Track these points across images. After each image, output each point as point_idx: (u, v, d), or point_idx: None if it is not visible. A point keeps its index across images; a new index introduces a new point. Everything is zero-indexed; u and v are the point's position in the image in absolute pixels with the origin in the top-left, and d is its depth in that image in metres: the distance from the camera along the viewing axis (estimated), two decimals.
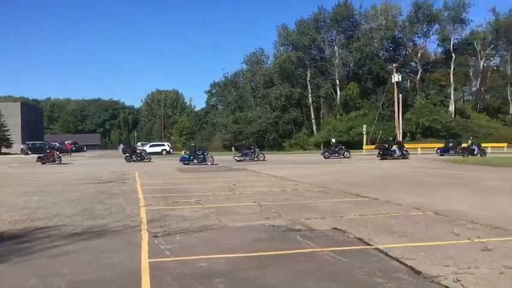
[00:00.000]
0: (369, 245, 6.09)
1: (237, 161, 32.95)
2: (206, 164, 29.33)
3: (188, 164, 29.54)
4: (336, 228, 7.26)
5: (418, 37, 70.39)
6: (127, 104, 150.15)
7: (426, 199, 10.67)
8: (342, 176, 18.34)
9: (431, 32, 69.67)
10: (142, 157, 35.54)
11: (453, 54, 66.64)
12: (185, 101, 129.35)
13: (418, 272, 4.76)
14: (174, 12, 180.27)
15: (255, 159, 33.85)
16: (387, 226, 7.38)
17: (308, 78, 69.99)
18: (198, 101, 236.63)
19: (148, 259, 5.52)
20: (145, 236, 6.91)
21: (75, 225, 8.02)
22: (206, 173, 21.56)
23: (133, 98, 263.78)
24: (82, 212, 9.57)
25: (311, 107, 70.77)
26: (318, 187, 13.83)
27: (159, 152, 58.59)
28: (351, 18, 70.19)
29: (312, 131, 70.07)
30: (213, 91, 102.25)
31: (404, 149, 34.46)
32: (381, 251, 5.74)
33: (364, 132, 50.99)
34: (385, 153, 33.02)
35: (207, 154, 31.02)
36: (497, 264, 4.96)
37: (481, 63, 69.15)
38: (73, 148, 68.00)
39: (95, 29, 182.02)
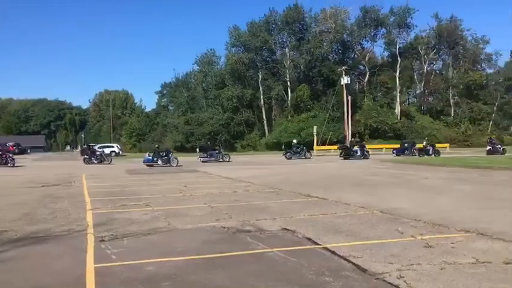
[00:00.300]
0: (318, 244, 6.18)
1: (202, 162, 32.71)
2: (171, 166, 28.83)
3: (152, 165, 28.94)
4: (285, 229, 7.32)
5: (365, 41, 72.66)
6: (74, 104, 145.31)
7: (373, 198, 10.97)
8: (294, 177, 18.56)
9: (378, 36, 72.11)
10: (102, 159, 34.51)
11: (399, 58, 69.10)
12: (135, 101, 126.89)
13: (364, 270, 4.87)
14: (123, 11, 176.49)
15: (220, 160, 33.76)
16: (335, 225, 7.52)
17: (260, 79, 70.47)
18: (148, 101, 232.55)
19: (94, 264, 5.35)
20: (91, 241, 6.70)
21: (16, 230, 7.65)
22: (156, 175, 21.23)
23: (81, 98, 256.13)
24: (24, 216, 9.17)
25: (263, 108, 71.30)
26: (269, 188, 13.91)
27: (107, 154, 57.08)
28: (302, 21, 71.32)
29: (264, 132, 70.61)
30: (164, 92, 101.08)
31: (366, 149, 35.57)
32: (328, 250, 5.84)
33: (315, 134, 51.85)
34: (347, 154, 33.97)
35: (171, 155, 30.42)
36: (438, 260, 5.16)
37: (425, 67, 72.12)
38: (16, 150, 64.96)
39: (38, 26, 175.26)
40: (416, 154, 35.36)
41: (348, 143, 40.14)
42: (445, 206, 9.50)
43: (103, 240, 6.67)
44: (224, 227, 7.57)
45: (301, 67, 69.52)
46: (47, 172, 25.02)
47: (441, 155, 35.03)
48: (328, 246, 6.01)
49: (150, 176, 20.56)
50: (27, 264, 5.55)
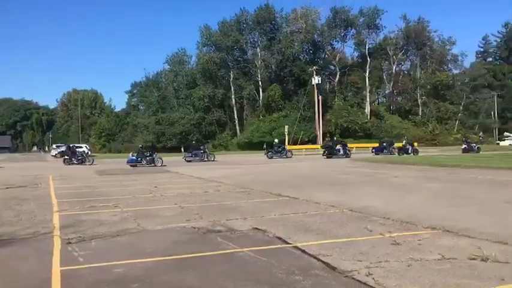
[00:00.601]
0: (288, 243, 6.20)
1: (187, 161, 32.78)
2: (155, 166, 28.46)
3: (136, 165, 28.45)
4: (256, 228, 7.32)
5: (336, 41, 73.72)
6: (41, 104, 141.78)
7: (344, 197, 11.09)
8: (266, 176, 18.60)
9: (348, 37, 73.22)
10: (83, 159, 33.76)
11: (368, 59, 70.23)
12: (105, 101, 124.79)
13: (334, 268, 4.91)
14: (92, 10, 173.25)
15: (205, 159, 33.84)
16: (306, 224, 7.56)
17: (231, 79, 70.44)
18: (118, 101, 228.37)
19: (60, 267, 5.21)
20: (57, 243, 6.54)
21: None
22: (127, 176, 20.94)
23: (48, 97, 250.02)
24: None
25: (234, 108, 71.28)
26: (241, 188, 13.90)
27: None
28: (273, 21, 71.68)
29: (235, 131, 70.58)
30: (134, 91, 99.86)
31: (348, 148, 36.29)
32: (299, 248, 5.86)
33: (286, 133, 52.16)
34: (331, 152, 34.59)
35: (155, 155, 30.06)
36: (405, 257, 5.25)
37: (394, 67, 73.53)
38: None
39: (2, 23, 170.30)
40: (395, 153, 36.05)
41: (324, 142, 40.56)
42: (413, 204, 9.68)
43: (70, 243, 6.52)
44: (195, 228, 7.51)
45: (273, 67, 69.84)
46: (12, 173, 24.35)
47: (419, 154, 35.77)
48: (298, 245, 6.04)
49: (120, 177, 20.25)
50: None
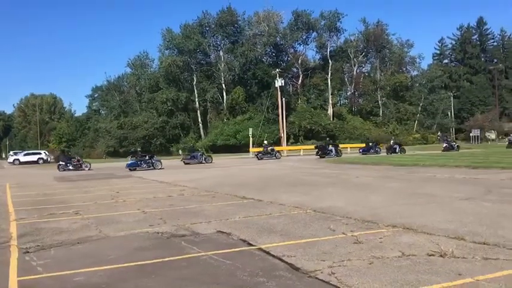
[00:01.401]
0: (252, 245, 6.21)
1: (185, 163, 33.34)
2: (154, 169, 28.50)
3: (135, 169, 28.41)
4: (220, 231, 7.30)
5: (298, 44, 74.42)
6: None
7: (308, 198, 11.20)
8: (231, 179, 18.56)
9: (310, 40, 73.99)
10: (79, 165, 32.36)
11: (330, 61, 71.28)
12: (64, 106, 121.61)
13: (297, 269, 4.95)
14: (51, 11, 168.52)
15: (203, 162, 34.06)
16: (270, 226, 7.59)
17: (194, 82, 70.07)
18: (78, 105, 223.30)
19: (17, 277, 5.05)
20: (14, 253, 6.33)
21: None
22: (87, 182, 20.46)
23: (4, 103, 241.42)
24: None
25: (198, 111, 70.91)
26: (205, 191, 13.83)
27: (35, 161, 54.54)
28: (235, 24, 71.75)
29: (200, 135, 70.20)
30: (95, 95, 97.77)
31: (339, 148, 37.43)
32: (263, 250, 5.88)
33: (251, 136, 52.24)
34: (324, 153, 35.41)
35: (154, 159, 30.33)
36: (367, 255, 5.35)
37: (354, 70, 74.85)
38: None
39: None
40: (381, 152, 37.65)
41: (318, 144, 41.23)
42: (375, 203, 9.88)
43: (28, 252, 6.32)
44: (158, 233, 7.42)
45: (236, 70, 69.86)
46: None
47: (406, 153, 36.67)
48: (262, 247, 6.06)
49: (81, 183, 19.78)
50: None
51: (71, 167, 31.90)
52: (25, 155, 57.71)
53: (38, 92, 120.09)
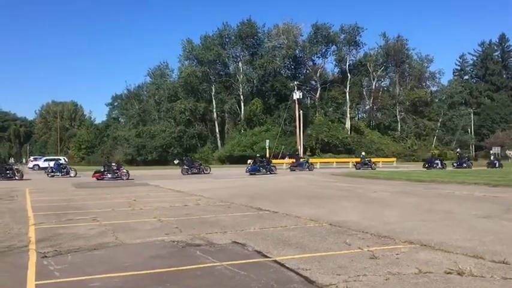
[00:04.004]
0: (267, 257, 6.20)
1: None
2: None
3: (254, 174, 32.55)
4: (235, 242, 7.30)
5: (317, 57, 74.56)
6: (19, 115, 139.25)
7: (323, 211, 11.14)
8: (247, 190, 18.55)
9: (329, 53, 74.07)
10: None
11: (349, 74, 71.18)
12: (84, 113, 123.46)
13: (312, 282, 4.92)
14: (73, 21, 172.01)
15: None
16: (285, 238, 7.57)
17: (213, 93, 70.51)
18: (98, 113, 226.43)
19: (35, 281, 5.12)
20: (33, 257, 6.42)
21: None
22: (105, 189, 20.66)
23: (27, 109, 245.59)
24: None
25: (216, 122, 71.25)
26: (221, 201, 13.86)
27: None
28: (255, 36, 72.20)
29: (217, 145, 70.44)
30: (115, 104, 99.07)
31: (443, 161, 39.08)
32: (278, 262, 5.86)
33: (267, 147, 52.27)
34: (430, 166, 37.08)
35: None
36: (383, 271, 5.30)
37: (373, 84, 74.56)
38: None
39: None
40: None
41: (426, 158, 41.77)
42: (391, 218, 9.78)
43: (46, 256, 6.41)
44: (174, 241, 7.46)
45: (254, 81, 70.19)
46: None
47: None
48: (277, 259, 6.04)
49: (98, 190, 19.98)
50: None
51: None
52: (45, 160, 58.49)
53: (59, 99, 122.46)
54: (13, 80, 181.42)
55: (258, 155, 40.78)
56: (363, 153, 44.60)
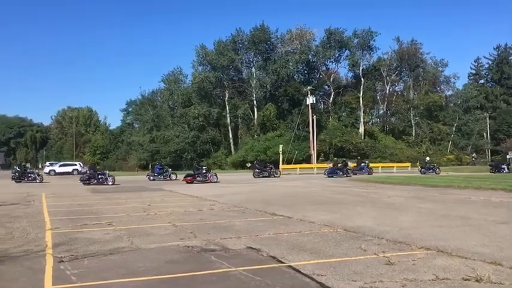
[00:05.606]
0: (282, 262, 6.19)
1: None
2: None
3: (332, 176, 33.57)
4: (250, 247, 7.29)
5: (330, 62, 74.24)
6: (35, 121, 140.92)
7: (338, 216, 11.08)
8: (260, 195, 18.53)
9: (342, 58, 73.75)
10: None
11: (362, 79, 70.78)
12: (99, 119, 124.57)
13: None
14: (88, 27, 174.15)
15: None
16: (300, 243, 7.55)
17: (226, 98, 70.67)
18: (113, 119, 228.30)
19: (52, 285, 5.18)
20: (49, 261, 6.49)
21: None
22: (120, 194, 20.81)
23: (43, 115, 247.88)
24: None
25: (229, 127, 71.34)
26: (235, 206, 13.87)
27: (70, 172, 55.85)
28: (268, 41, 72.21)
29: (230, 150, 70.53)
30: (129, 109, 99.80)
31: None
32: (293, 268, 5.85)
33: (281, 152, 52.17)
34: (497, 170, 39.47)
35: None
36: (399, 277, 5.25)
37: (387, 88, 74.03)
38: None
39: None
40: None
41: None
42: (407, 224, 9.69)
43: (62, 261, 6.47)
44: (188, 246, 7.48)
45: (268, 86, 70.16)
46: (4, 190, 24.16)
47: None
48: (292, 264, 6.03)
49: (114, 195, 20.13)
50: None
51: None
52: (61, 166, 59.16)
53: (74, 105, 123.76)
54: (30, 86, 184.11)
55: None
56: (428, 158, 44.42)
